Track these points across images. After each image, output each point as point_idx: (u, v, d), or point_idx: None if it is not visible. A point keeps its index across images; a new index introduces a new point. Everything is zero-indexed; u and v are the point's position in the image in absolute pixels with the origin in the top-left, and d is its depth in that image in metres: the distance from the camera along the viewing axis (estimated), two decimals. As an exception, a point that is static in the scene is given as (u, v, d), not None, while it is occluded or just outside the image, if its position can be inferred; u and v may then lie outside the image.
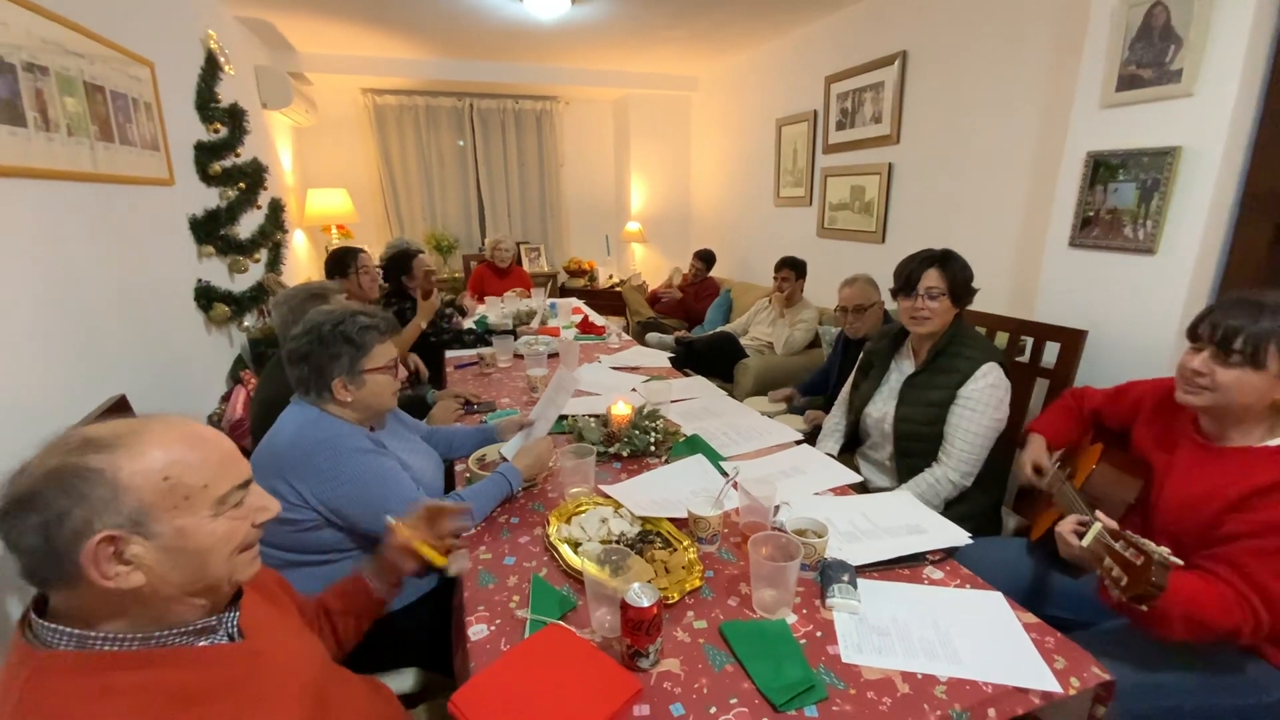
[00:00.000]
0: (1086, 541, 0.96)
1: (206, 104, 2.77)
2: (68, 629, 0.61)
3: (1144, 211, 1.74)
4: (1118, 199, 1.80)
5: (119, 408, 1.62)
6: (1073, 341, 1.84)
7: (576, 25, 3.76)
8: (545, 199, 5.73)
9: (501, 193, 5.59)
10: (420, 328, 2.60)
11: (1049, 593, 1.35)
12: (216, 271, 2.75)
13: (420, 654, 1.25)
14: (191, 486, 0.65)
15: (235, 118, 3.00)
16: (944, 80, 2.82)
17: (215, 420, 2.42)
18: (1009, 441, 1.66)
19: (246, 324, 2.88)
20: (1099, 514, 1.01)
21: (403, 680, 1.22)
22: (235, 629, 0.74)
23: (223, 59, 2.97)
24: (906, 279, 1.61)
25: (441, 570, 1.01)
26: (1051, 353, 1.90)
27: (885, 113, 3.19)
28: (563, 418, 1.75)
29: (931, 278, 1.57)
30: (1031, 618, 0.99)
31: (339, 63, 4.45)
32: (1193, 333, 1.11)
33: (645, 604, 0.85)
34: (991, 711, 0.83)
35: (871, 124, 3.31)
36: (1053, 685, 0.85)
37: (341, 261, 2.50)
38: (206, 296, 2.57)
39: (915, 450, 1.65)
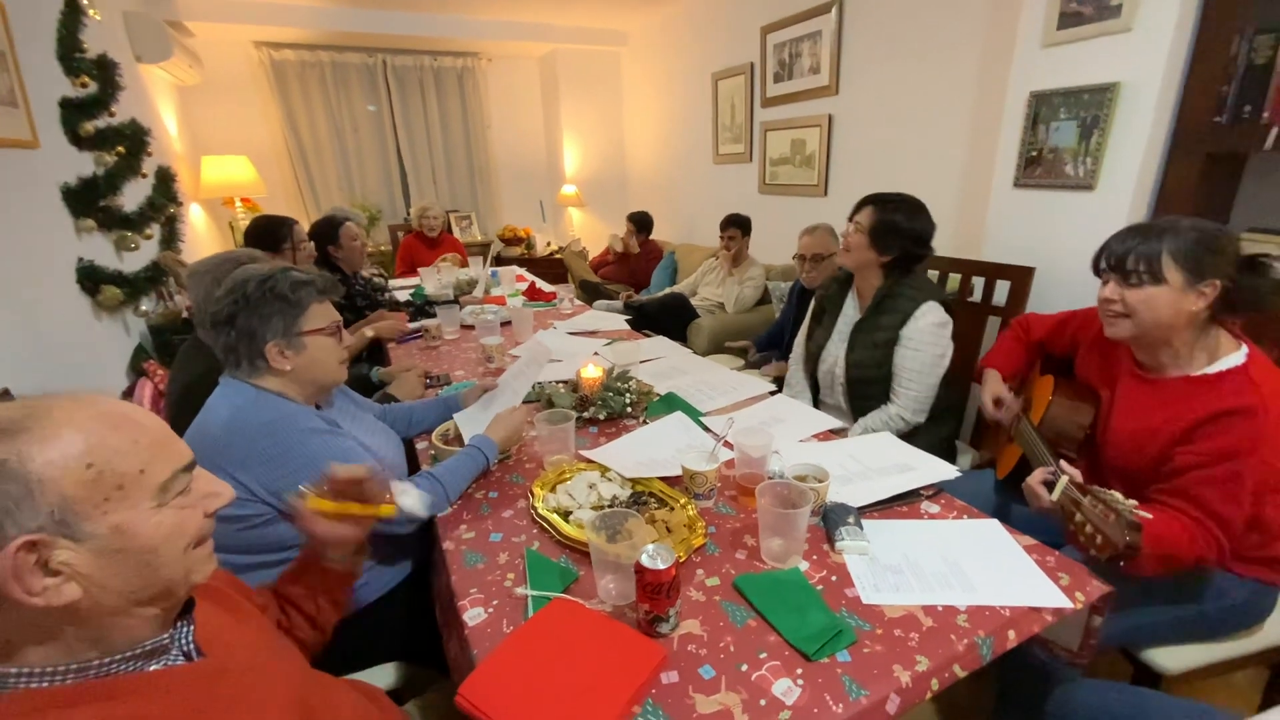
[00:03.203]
0: (1055, 495, 0.97)
1: (70, 53, 2.36)
2: None
3: (1084, 149, 1.80)
4: (1059, 138, 1.85)
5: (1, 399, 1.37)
6: (1021, 279, 1.90)
7: (498, -30, 3.49)
8: (473, 163, 5.41)
9: (425, 158, 5.22)
10: (367, 339, 2.23)
11: (1019, 522, 1.41)
12: (101, 249, 2.39)
13: (398, 647, 1.14)
14: (124, 474, 0.52)
15: (105, 70, 2.58)
16: (882, 27, 2.82)
17: (120, 418, 2.13)
18: (960, 377, 1.70)
19: (144, 308, 2.54)
20: (1064, 465, 1.02)
21: (382, 676, 1.11)
22: (192, 645, 0.62)
23: (85, 1, 2.54)
24: (854, 209, 1.67)
25: (392, 519, 0.90)
26: (1002, 292, 1.97)
27: (823, 63, 3.17)
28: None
29: (864, 214, 1.62)
30: (1029, 540, 1.00)
31: (224, 9, 3.94)
32: (1095, 267, 1.15)
33: (662, 566, 0.78)
34: (1011, 633, 0.84)
35: (810, 75, 3.28)
36: (1063, 601, 0.87)
37: (273, 234, 2.14)
38: (92, 278, 2.23)
39: (868, 393, 1.68)
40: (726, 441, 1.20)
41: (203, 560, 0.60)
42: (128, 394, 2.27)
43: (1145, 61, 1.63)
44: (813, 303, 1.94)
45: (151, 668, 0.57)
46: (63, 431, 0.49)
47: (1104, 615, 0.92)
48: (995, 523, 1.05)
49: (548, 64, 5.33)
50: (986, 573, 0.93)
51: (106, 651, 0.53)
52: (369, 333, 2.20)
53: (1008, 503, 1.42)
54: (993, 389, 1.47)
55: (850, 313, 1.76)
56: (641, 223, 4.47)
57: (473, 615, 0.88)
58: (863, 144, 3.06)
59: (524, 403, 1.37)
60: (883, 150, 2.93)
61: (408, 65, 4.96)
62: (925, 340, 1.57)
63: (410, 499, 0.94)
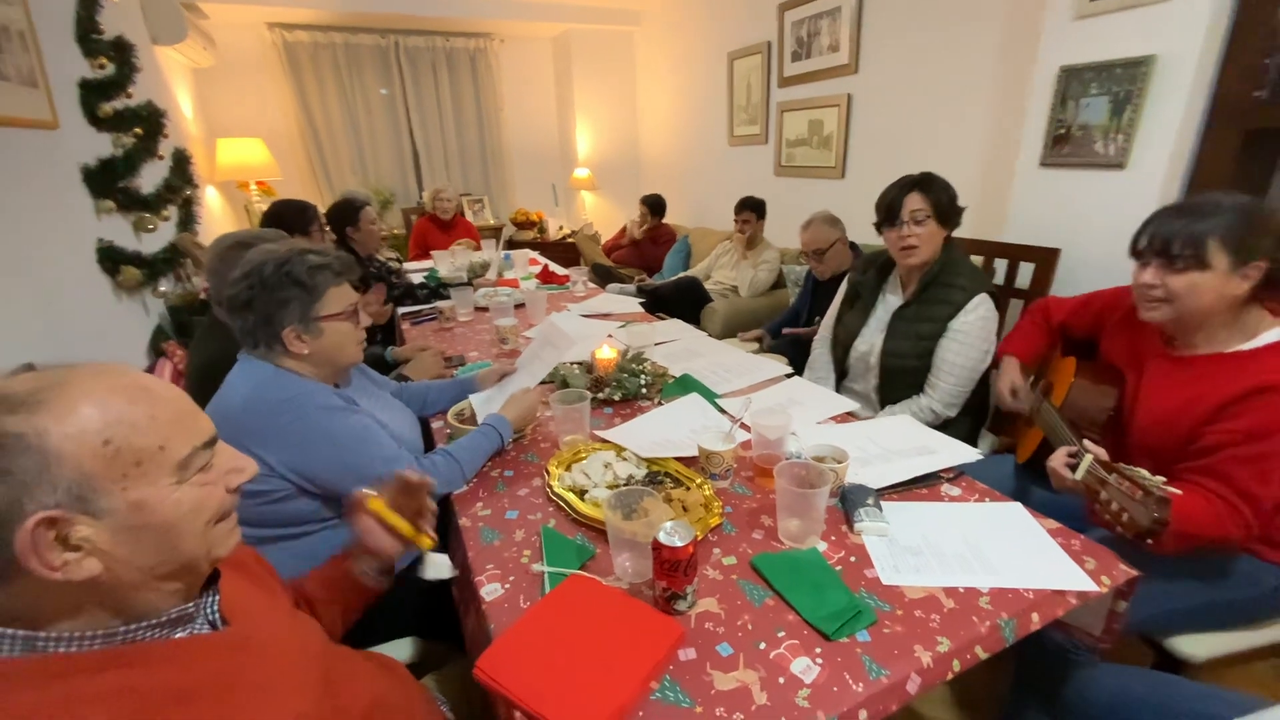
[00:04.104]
0: (1079, 475, 0.94)
1: (88, 34, 2.36)
2: (10, 630, 0.48)
3: (1115, 126, 1.74)
4: (1089, 114, 1.80)
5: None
6: (1046, 261, 1.86)
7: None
8: (485, 146, 5.38)
9: (437, 141, 5.20)
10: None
11: (1041, 507, 1.38)
12: (120, 230, 2.41)
13: (416, 623, 1.15)
14: (142, 450, 0.51)
15: (122, 51, 2.59)
16: (904, 2, 2.74)
17: (141, 397, 2.16)
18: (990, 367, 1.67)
19: (163, 289, 2.56)
20: (1088, 444, 0.99)
21: (399, 651, 1.12)
22: (216, 615, 0.62)
23: (100, -19, 2.53)
24: (888, 209, 1.55)
25: (420, 555, 0.89)
26: (1026, 274, 1.92)
27: (843, 41, 3.09)
28: (542, 366, 1.64)
29: (914, 201, 1.51)
30: (1053, 523, 0.99)
31: (238, -9, 3.93)
32: (1134, 249, 1.10)
33: (680, 544, 0.78)
34: (1035, 616, 0.83)
35: (829, 53, 3.21)
36: (1088, 585, 0.85)
37: (303, 214, 2.16)
38: (111, 258, 2.25)
39: (900, 382, 1.63)
40: (743, 423, 1.19)
41: (225, 535, 0.61)
42: (149, 370, 2.30)
43: (1183, 33, 1.56)
44: (844, 285, 1.87)
45: (177, 635, 0.57)
46: (80, 406, 0.49)
47: (1129, 600, 0.91)
48: (1018, 506, 1.04)
49: (561, 44, 5.26)
50: (1009, 555, 0.91)
51: (131, 620, 0.53)
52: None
53: (1027, 487, 1.40)
54: (1010, 378, 1.44)
55: (891, 300, 1.69)
56: (655, 206, 4.42)
57: (490, 591, 0.88)
58: (883, 124, 2.99)
59: (540, 384, 1.37)
60: (903, 130, 2.87)
61: (420, 46, 4.92)
62: (974, 335, 1.51)
63: (437, 571, 0.91)
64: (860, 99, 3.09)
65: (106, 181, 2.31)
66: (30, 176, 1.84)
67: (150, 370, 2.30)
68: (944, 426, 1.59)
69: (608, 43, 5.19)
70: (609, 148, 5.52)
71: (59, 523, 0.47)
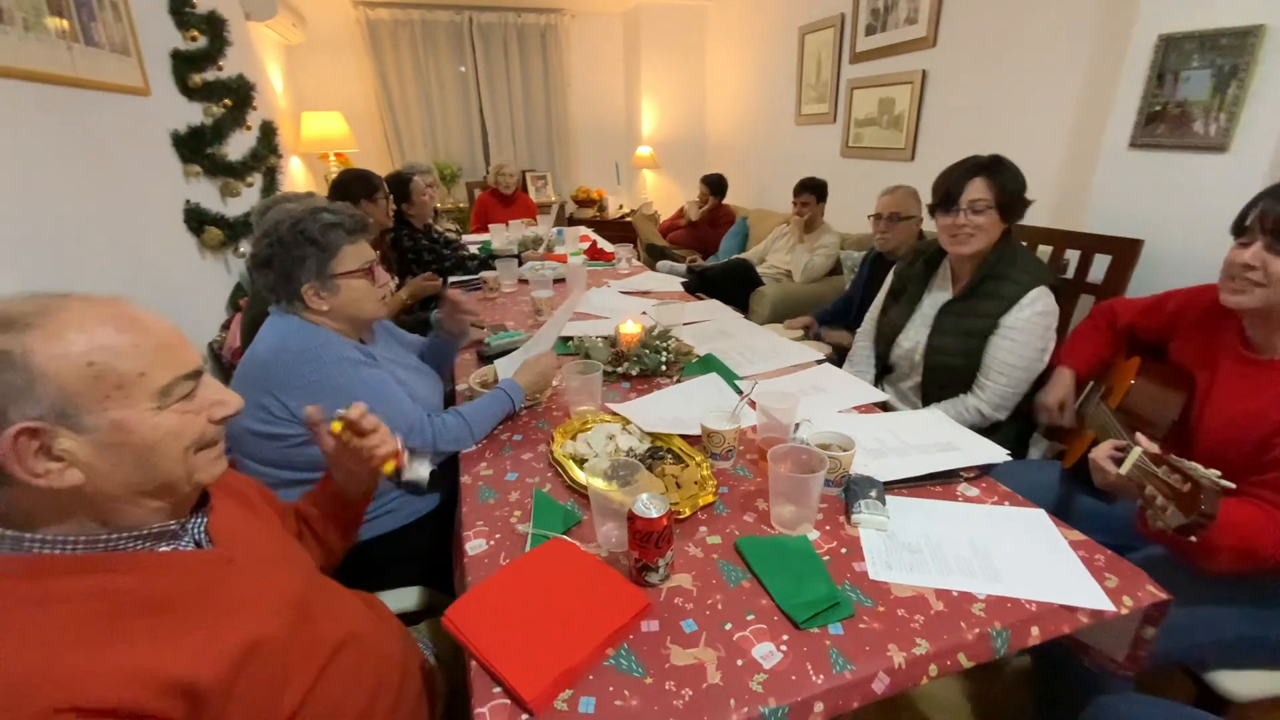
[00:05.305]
0: (1125, 469, 0.86)
1: (180, 7, 2.56)
2: (0, 530, 0.54)
3: (1218, 103, 1.54)
4: (1188, 90, 1.60)
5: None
6: (1126, 253, 1.68)
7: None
8: (552, 123, 5.44)
9: (505, 117, 5.30)
10: (404, 301, 2.32)
11: (1083, 518, 1.27)
12: (206, 193, 2.62)
13: (423, 573, 1.21)
14: (124, 375, 0.56)
15: (214, 26, 2.78)
16: (991, -32, 2.52)
17: (215, 348, 2.36)
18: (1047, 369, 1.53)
19: (242, 250, 2.77)
20: (1139, 436, 0.90)
21: (406, 598, 1.19)
22: (203, 535, 0.67)
23: (196, -42, 2.72)
24: (946, 192, 1.40)
25: (392, 478, 0.89)
26: (1100, 268, 1.75)
27: (922, 11, 2.88)
28: (568, 339, 1.66)
29: (977, 188, 1.37)
30: (1078, 535, 0.90)
31: (326, -31, 4.12)
32: (1239, 226, 0.98)
33: (654, 515, 0.77)
34: (1035, 629, 0.76)
35: (906, 26, 3.01)
36: (1104, 603, 0.77)
37: (368, 182, 2.29)
38: (197, 219, 2.45)
39: (945, 381, 1.52)
40: (752, 403, 1.16)
41: (209, 462, 0.65)
42: (225, 326, 2.50)
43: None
44: (891, 277, 1.75)
45: (162, 549, 0.62)
46: (67, 331, 0.54)
47: (1158, 626, 0.82)
48: (1041, 513, 0.96)
49: (631, 20, 5.21)
50: (1017, 563, 0.84)
51: (116, 530, 0.58)
52: (404, 295, 2.30)
53: (1072, 496, 1.28)
54: (1059, 395, 1.33)
55: (939, 294, 1.57)
56: (715, 185, 4.34)
57: (474, 545, 0.90)
58: (958, 102, 2.78)
59: (561, 355, 1.38)
60: (979, 109, 2.65)
61: (493, 23, 5.01)
62: (1029, 332, 1.38)
63: (415, 472, 0.89)
64: (936, 75, 2.88)
65: (194, 147, 2.51)
66: (124, 139, 2.02)
67: (228, 323, 2.51)
68: (990, 430, 1.48)
69: (679, 18, 5.09)
70: (673, 126, 5.45)
71: (41, 433, 0.52)
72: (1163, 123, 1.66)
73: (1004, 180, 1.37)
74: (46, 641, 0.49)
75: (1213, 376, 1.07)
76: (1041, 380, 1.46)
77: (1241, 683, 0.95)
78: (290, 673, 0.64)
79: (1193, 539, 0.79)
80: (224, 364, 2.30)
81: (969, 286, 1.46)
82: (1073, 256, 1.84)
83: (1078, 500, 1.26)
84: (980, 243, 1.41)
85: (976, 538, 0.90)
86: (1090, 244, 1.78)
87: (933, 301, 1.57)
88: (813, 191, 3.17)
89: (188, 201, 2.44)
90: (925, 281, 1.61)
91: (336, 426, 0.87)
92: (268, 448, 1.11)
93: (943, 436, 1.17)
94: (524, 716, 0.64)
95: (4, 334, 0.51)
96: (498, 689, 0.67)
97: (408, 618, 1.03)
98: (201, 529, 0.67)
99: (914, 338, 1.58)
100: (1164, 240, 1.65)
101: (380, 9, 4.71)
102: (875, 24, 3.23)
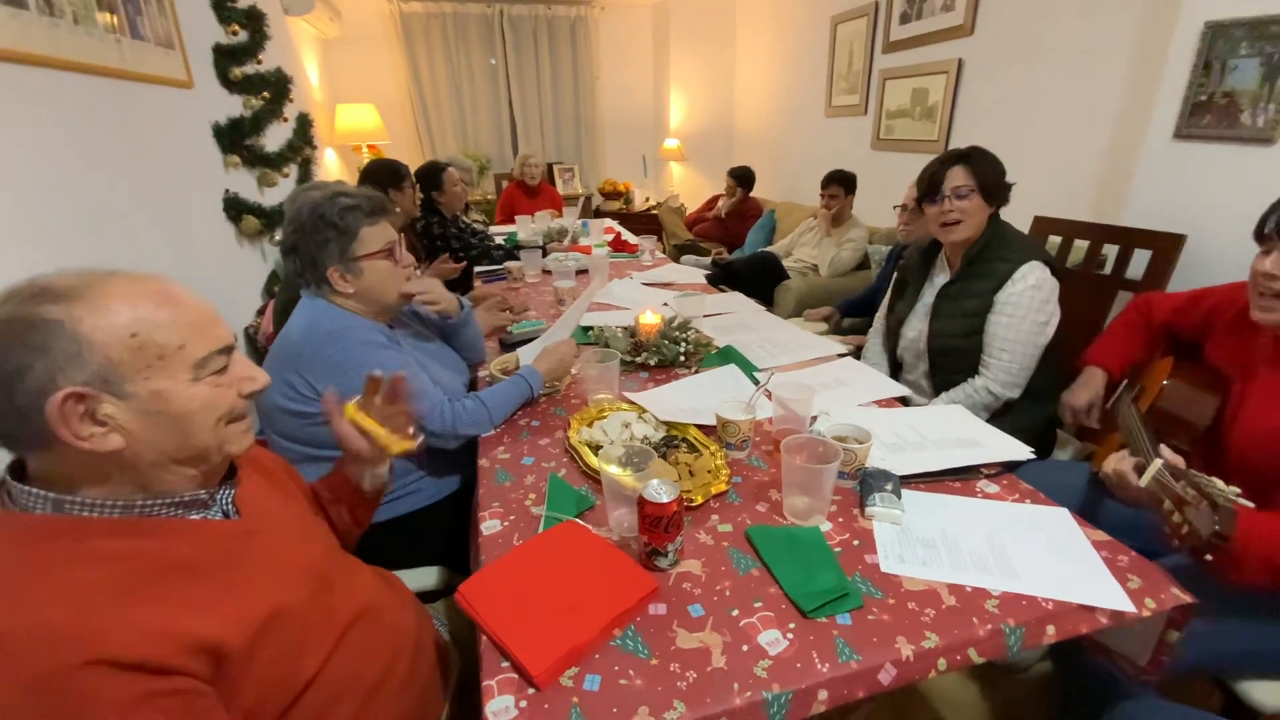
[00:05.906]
0: (1144, 481, 0.83)
1: (222, 2, 2.63)
2: (44, 492, 0.57)
3: (1267, 93, 1.47)
4: (1237, 79, 1.53)
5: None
6: (1167, 248, 1.62)
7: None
8: (580, 116, 5.45)
9: (534, 110, 5.33)
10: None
11: (1111, 523, 1.23)
12: (244, 183, 2.70)
13: (443, 553, 1.24)
14: (164, 346, 0.59)
15: (254, 20, 2.86)
16: (1032, -47, 2.43)
17: (251, 333, 2.44)
18: (1071, 350, 1.49)
19: (278, 238, 2.85)
20: (1163, 448, 0.87)
21: (425, 577, 1.22)
22: (230, 506, 0.70)
23: (236, -45, 2.80)
24: (930, 183, 1.47)
25: (404, 456, 0.90)
26: (1140, 263, 1.69)
27: (958, -1, 2.80)
28: (589, 328, 1.67)
29: (958, 176, 1.43)
30: (1102, 535, 0.88)
31: (362, -37, 4.19)
32: (1260, 233, 0.93)
33: (664, 500, 0.78)
34: (1050, 628, 0.75)
35: (942, 13, 2.93)
36: (1125, 604, 0.76)
37: (396, 172, 2.34)
38: (236, 208, 2.53)
39: (952, 366, 1.53)
40: (769, 394, 1.15)
41: (238, 435, 0.68)
42: (260, 312, 2.59)
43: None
44: (894, 275, 1.79)
45: (192, 516, 0.66)
46: (113, 303, 0.57)
47: (1182, 630, 0.80)
48: (1064, 512, 0.93)
49: (660, 12, 5.18)
50: (1036, 561, 0.83)
51: (151, 496, 0.62)
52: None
53: (1101, 500, 1.24)
54: (1089, 395, 1.29)
55: (937, 281, 1.59)
56: (742, 178, 4.30)
57: (489, 526, 0.92)
58: (994, 92, 2.70)
59: (581, 344, 1.39)
60: (1017, 99, 2.57)
61: (523, 15, 5.04)
62: (1023, 305, 1.39)
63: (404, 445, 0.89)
64: (972, 64, 2.80)
65: (234, 139, 2.59)
66: (168, 130, 2.09)
67: (264, 309, 2.59)
68: (1012, 411, 1.46)
69: (709, 9, 5.04)
70: (701, 118, 5.41)
71: (87, 399, 0.55)
72: (1208, 113, 1.59)
73: (982, 166, 1.43)
74: (81, 598, 0.52)
75: (1247, 383, 1.02)
76: (1056, 361, 1.45)
77: (1273, 694, 0.91)
78: (309, 641, 0.66)
79: (1208, 558, 0.76)
80: (259, 348, 2.37)
81: (962, 269, 1.49)
82: (1110, 252, 1.77)
83: (1105, 504, 1.22)
84: (969, 228, 1.45)
85: (994, 534, 0.88)
86: (1129, 238, 1.71)
87: (932, 290, 1.59)
88: (841, 184, 3.12)
89: (227, 191, 2.52)
90: (925, 273, 1.64)
91: (350, 410, 0.90)
92: (293, 424, 1.15)
93: (964, 432, 1.15)
94: (530, 691, 0.66)
95: (55, 304, 0.54)
96: (506, 663, 0.69)
97: (426, 597, 1.06)
98: (229, 500, 0.70)
99: (917, 327, 1.61)
100: (1207, 236, 1.58)
101: (414, 2, 4.78)
102: (910, 12, 3.15)
